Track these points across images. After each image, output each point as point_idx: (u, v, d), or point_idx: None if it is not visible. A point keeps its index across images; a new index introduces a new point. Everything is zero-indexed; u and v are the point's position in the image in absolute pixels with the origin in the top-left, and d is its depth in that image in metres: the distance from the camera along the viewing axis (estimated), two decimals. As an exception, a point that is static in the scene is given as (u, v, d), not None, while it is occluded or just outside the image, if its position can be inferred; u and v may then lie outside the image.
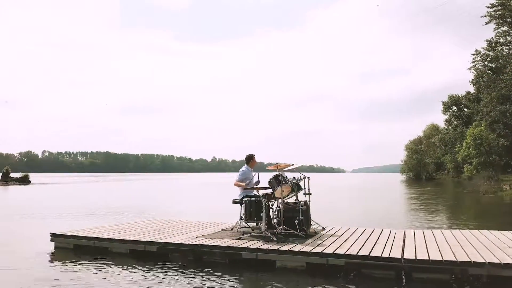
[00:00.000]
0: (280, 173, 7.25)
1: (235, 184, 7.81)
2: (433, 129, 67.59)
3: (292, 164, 7.74)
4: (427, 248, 5.87)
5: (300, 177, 7.61)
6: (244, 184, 7.70)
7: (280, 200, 7.17)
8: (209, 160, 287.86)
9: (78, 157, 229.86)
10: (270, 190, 7.41)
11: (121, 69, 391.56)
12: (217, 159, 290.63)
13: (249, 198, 7.12)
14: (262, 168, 9.58)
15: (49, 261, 6.66)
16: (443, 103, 57.21)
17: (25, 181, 44.46)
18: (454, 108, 56.84)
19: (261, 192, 7.57)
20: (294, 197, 7.58)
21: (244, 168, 8.11)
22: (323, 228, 7.84)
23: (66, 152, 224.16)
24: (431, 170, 68.65)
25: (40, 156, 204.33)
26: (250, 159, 8.15)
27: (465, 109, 54.98)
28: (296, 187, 7.41)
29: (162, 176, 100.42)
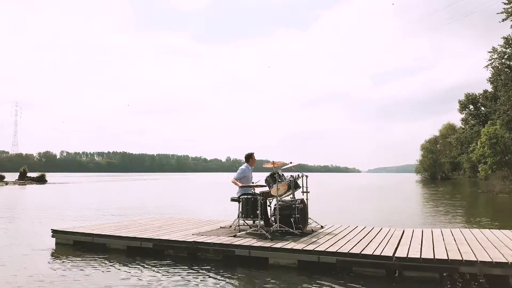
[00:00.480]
0: (277, 171, 7.26)
1: (232, 182, 7.86)
2: (450, 129, 66.47)
3: (291, 163, 7.74)
4: (421, 246, 5.80)
5: (298, 175, 7.60)
6: (240, 183, 7.73)
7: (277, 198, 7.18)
8: (223, 160, 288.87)
9: (95, 157, 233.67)
10: (267, 188, 7.43)
11: (136, 70, 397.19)
12: (232, 159, 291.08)
13: (246, 196, 7.15)
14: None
15: (49, 256, 6.81)
16: (459, 102, 56.19)
17: (41, 180, 45.53)
18: (471, 107, 55.67)
19: (259, 190, 7.59)
20: (291, 195, 7.57)
21: (243, 166, 8.14)
22: (322, 227, 7.81)
23: (83, 152, 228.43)
24: (446, 170, 67.57)
25: (58, 157, 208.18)
26: (249, 157, 8.18)
27: (482, 108, 53.84)
28: (293, 185, 7.40)
29: (176, 176, 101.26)
